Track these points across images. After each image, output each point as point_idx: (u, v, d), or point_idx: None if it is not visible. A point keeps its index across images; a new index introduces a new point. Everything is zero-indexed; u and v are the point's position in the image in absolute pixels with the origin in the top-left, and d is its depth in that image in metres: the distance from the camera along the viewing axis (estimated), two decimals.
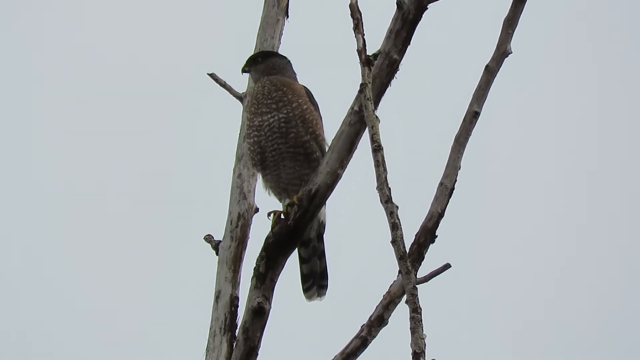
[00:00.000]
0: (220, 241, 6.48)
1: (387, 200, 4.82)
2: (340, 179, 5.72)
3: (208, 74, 6.88)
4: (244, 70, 6.37)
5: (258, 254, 5.80)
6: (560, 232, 9.92)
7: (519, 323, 9.46)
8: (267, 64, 6.31)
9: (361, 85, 5.22)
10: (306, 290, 6.25)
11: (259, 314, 5.78)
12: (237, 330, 6.04)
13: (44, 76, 10.71)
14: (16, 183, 10.35)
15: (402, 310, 5.56)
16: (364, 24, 5.17)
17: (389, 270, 5.75)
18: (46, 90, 10.69)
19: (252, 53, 6.68)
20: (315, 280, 6.25)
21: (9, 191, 10.31)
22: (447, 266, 5.73)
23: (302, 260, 6.24)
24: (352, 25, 5.21)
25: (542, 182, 10.13)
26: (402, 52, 5.59)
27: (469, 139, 5.74)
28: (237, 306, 6.27)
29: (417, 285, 4.71)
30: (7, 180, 10.33)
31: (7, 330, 9.65)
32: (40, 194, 10.34)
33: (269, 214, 6.00)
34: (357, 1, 5.21)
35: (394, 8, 5.55)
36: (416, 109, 8.81)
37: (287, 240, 5.77)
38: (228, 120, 6.91)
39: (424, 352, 4.61)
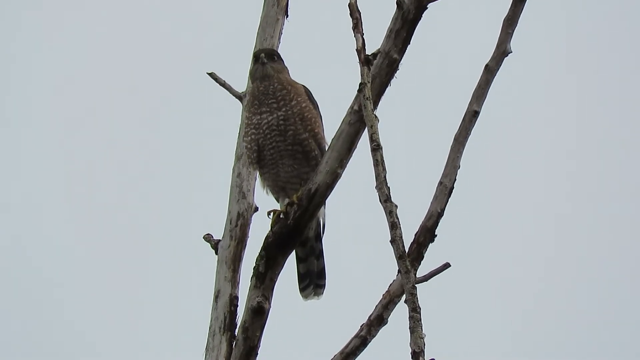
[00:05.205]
0: (219, 240, 6.48)
1: (386, 199, 4.82)
2: (340, 178, 5.72)
3: (208, 73, 6.88)
4: (263, 61, 6.18)
5: (258, 254, 5.81)
6: (560, 232, 9.92)
7: (519, 322, 9.47)
8: (282, 66, 6.25)
9: (360, 84, 5.23)
10: (303, 289, 6.25)
11: (258, 314, 5.78)
12: (236, 330, 6.04)
13: (43, 76, 10.71)
14: (14, 183, 10.36)
15: (401, 310, 5.58)
16: (363, 23, 5.18)
17: (389, 270, 5.76)
18: (46, 90, 10.70)
19: (251, 53, 6.68)
20: (312, 280, 6.24)
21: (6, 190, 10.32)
22: (446, 265, 5.73)
23: (299, 260, 6.23)
24: (351, 25, 5.21)
25: (542, 181, 10.14)
26: (402, 51, 5.59)
27: (469, 138, 5.73)
28: (237, 306, 6.27)
29: (416, 285, 4.72)
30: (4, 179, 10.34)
31: (6, 330, 9.65)
32: (40, 194, 10.35)
33: (268, 213, 6.00)
34: (356, 0, 5.22)
35: (393, 7, 5.55)
36: (416, 108, 8.81)
37: (286, 240, 5.77)
38: (227, 120, 6.91)
39: (423, 351, 4.62)
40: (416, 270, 5.66)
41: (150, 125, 10.33)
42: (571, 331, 9.37)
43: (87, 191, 10.32)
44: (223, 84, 6.84)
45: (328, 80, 6.93)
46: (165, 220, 9.68)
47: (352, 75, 5.30)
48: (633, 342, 9.23)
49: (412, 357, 4.62)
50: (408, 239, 5.59)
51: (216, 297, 6.33)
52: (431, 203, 5.72)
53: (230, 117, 6.84)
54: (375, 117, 5.01)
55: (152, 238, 9.66)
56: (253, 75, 6.23)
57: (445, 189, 5.69)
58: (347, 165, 5.70)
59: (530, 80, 9.71)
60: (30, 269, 9.93)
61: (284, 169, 6.08)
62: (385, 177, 4.85)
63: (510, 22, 5.74)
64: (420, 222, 5.72)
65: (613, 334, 9.38)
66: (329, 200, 5.85)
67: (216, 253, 6.47)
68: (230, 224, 6.50)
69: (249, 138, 6.10)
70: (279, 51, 6.77)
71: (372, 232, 6.82)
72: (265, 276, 5.78)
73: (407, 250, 4.79)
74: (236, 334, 5.96)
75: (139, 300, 9.61)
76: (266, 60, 6.18)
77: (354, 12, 5.21)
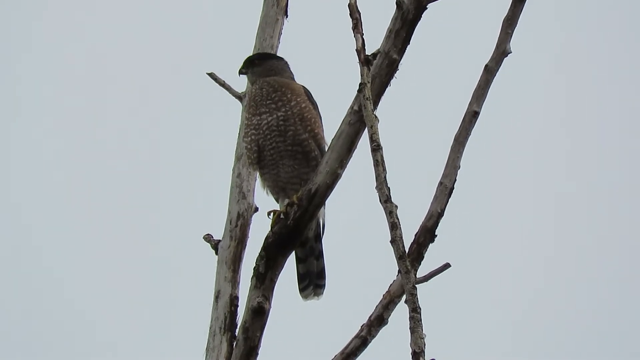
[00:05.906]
0: (219, 241, 6.49)
1: (386, 199, 4.82)
2: (340, 178, 5.71)
3: (207, 74, 6.89)
4: (241, 72, 6.36)
5: (258, 254, 5.80)
6: (560, 231, 9.92)
7: (519, 322, 9.47)
8: (264, 66, 6.31)
9: (360, 84, 5.23)
10: (302, 290, 6.25)
11: (258, 314, 5.78)
12: (237, 330, 6.04)
13: (43, 76, 10.71)
14: (15, 183, 10.36)
15: (401, 310, 5.57)
16: (363, 23, 5.19)
17: (389, 270, 5.76)
18: (45, 90, 10.70)
19: (251, 53, 6.68)
20: (311, 280, 6.24)
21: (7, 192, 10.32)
22: (446, 266, 5.73)
23: (299, 260, 6.23)
24: (351, 25, 5.21)
25: (542, 181, 10.13)
26: (401, 51, 5.58)
27: (469, 139, 5.73)
28: (237, 306, 6.28)
29: (416, 285, 4.72)
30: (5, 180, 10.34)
31: (6, 329, 9.65)
32: (40, 194, 10.35)
33: (268, 213, 6.00)
34: (356, 1, 5.22)
35: (393, 8, 5.55)
36: (416, 108, 8.81)
37: (286, 240, 5.77)
38: (227, 120, 6.92)
39: (423, 351, 4.62)
40: (416, 271, 5.65)
41: (150, 125, 10.33)
42: (571, 331, 9.37)
43: (88, 191, 10.32)
44: (223, 84, 6.85)
45: (328, 80, 6.93)
46: (165, 221, 9.68)
47: (352, 76, 5.31)
48: (633, 342, 9.23)
49: (412, 358, 4.62)
50: (408, 239, 5.59)
51: (216, 298, 6.33)
52: (431, 203, 5.71)
53: (230, 117, 6.85)
54: (375, 117, 5.01)
55: (153, 238, 9.67)
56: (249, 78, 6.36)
57: (445, 189, 5.69)
58: (347, 166, 5.70)
59: (530, 80, 9.71)
60: (30, 269, 9.93)
61: (284, 169, 6.08)
62: (385, 177, 4.85)
63: (510, 22, 5.74)
64: (420, 222, 5.72)
65: (613, 333, 9.38)
66: (329, 201, 5.85)
67: (216, 253, 6.47)
68: (230, 224, 6.50)
69: (249, 139, 6.11)
70: (278, 51, 6.78)
71: (372, 232, 6.82)
72: (265, 276, 5.78)
73: (407, 250, 4.79)
74: (236, 334, 5.97)
75: (139, 300, 9.61)
76: (244, 70, 6.31)
77: (354, 12, 5.21)
